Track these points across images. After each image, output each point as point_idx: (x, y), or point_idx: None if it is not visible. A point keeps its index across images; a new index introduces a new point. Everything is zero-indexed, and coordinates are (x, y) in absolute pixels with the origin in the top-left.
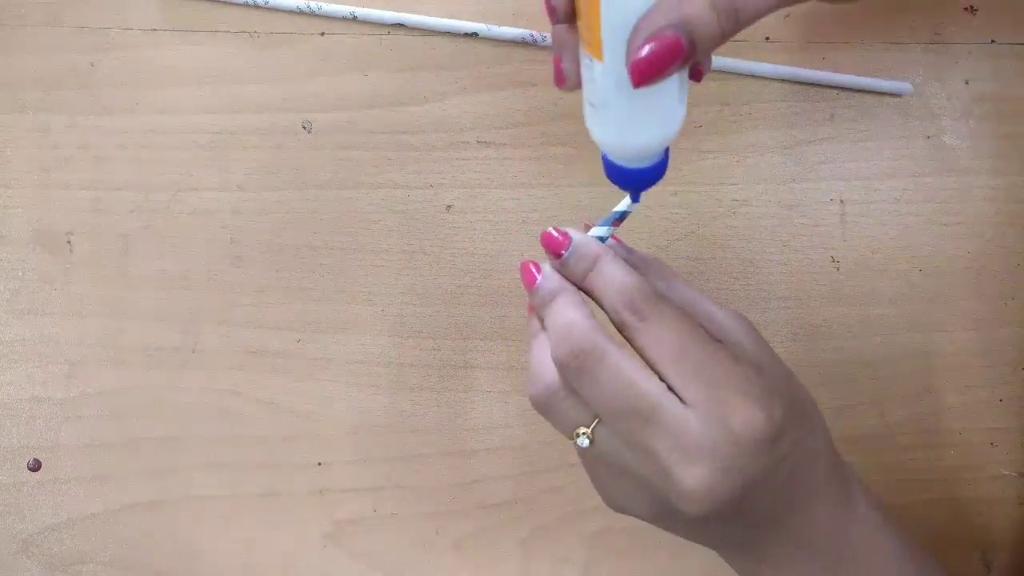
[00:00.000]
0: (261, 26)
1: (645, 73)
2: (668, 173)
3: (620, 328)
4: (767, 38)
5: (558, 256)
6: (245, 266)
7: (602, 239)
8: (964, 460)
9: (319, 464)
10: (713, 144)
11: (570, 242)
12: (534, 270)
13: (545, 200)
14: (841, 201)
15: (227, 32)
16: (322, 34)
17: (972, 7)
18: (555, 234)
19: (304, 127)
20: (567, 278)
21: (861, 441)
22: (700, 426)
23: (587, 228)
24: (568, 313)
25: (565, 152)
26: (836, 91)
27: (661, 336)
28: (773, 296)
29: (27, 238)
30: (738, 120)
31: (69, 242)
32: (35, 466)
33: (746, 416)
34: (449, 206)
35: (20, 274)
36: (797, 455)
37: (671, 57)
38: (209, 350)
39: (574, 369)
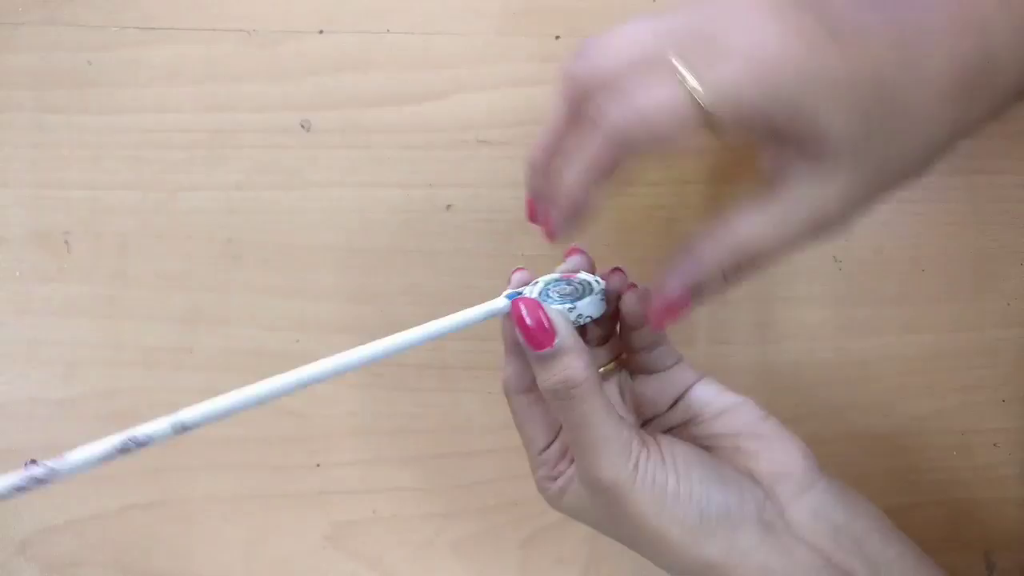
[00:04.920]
0: (259, 24)
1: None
2: (669, 172)
3: None
4: None
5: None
6: (244, 266)
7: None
8: (966, 461)
9: (318, 465)
10: (714, 142)
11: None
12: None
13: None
14: None
15: (225, 30)
16: (321, 32)
17: None
18: (539, 323)
19: (303, 126)
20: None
21: (862, 441)
22: None
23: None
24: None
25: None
26: None
27: None
28: (774, 296)
29: (24, 237)
30: None
31: (66, 241)
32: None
33: None
34: (449, 206)
35: (17, 274)
36: None
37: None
38: (208, 350)
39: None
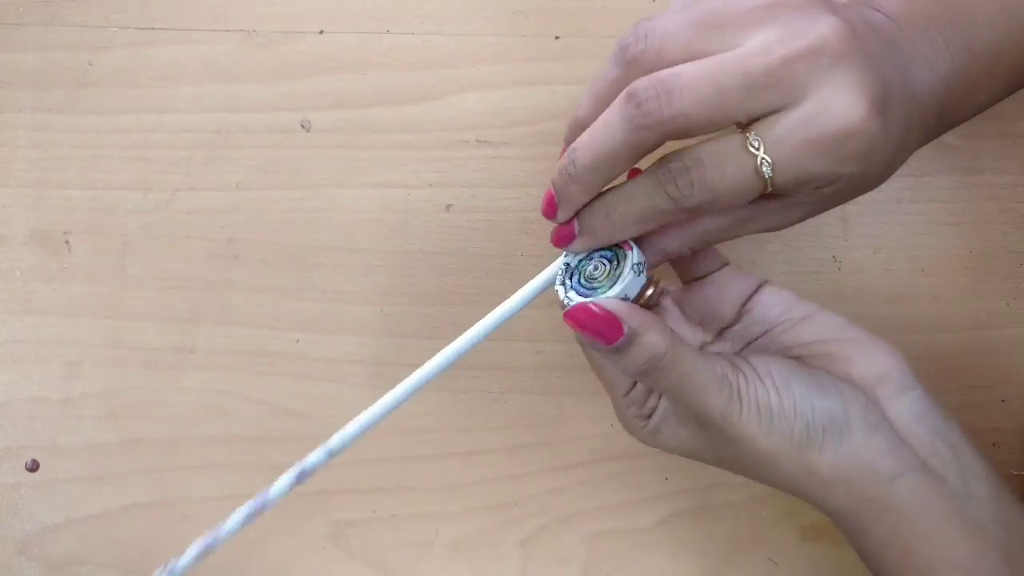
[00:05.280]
0: (260, 25)
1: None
2: None
3: None
4: None
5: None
6: (244, 266)
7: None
8: None
9: None
10: None
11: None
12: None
13: None
14: None
15: (226, 30)
16: (321, 32)
17: None
18: (598, 320)
19: (303, 126)
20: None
21: None
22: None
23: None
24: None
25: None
26: None
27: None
28: None
29: (25, 238)
30: None
31: (67, 242)
32: (33, 466)
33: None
34: (449, 206)
35: (18, 274)
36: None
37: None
38: (208, 350)
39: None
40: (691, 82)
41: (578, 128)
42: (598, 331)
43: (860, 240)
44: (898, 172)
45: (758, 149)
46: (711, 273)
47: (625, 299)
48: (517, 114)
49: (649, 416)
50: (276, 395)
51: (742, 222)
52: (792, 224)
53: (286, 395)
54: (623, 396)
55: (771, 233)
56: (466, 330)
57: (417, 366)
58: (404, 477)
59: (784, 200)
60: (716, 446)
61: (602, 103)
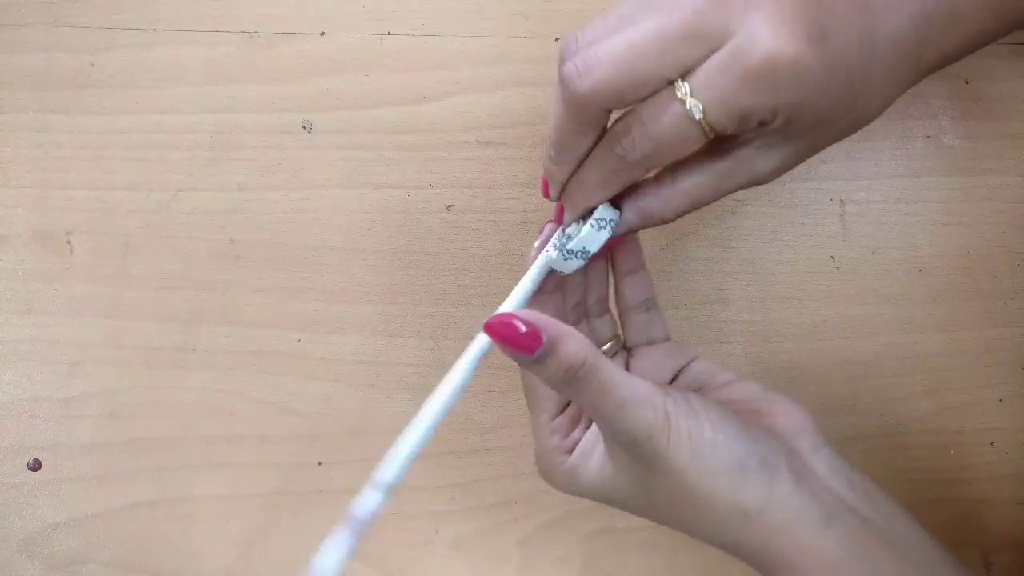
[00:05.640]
0: (261, 26)
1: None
2: None
3: None
4: None
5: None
6: (245, 266)
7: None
8: (964, 460)
9: (319, 464)
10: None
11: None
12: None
13: (545, 200)
14: (841, 201)
15: (227, 32)
16: (322, 34)
17: None
18: (517, 332)
19: (304, 127)
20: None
21: (861, 441)
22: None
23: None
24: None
25: None
26: None
27: None
28: (773, 296)
29: (27, 238)
30: None
31: (69, 242)
32: (35, 466)
33: None
34: (449, 206)
35: (20, 274)
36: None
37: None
38: (209, 350)
39: None
40: (608, 51)
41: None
42: (518, 342)
43: (858, 240)
44: (897, 172)
45: (686, 94)
46: (656, 343)
47: (585, 252)
48: (517, 115)
49: (571, 450)
50: (277, 395)
51: (722, 177)
52: (778, 171)
53: (287, 395)
54: (549, 421)
55: (770, 233)
56: (468, 327)
57: (416, 365)
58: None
59: (749, 144)
60: (644, 483)
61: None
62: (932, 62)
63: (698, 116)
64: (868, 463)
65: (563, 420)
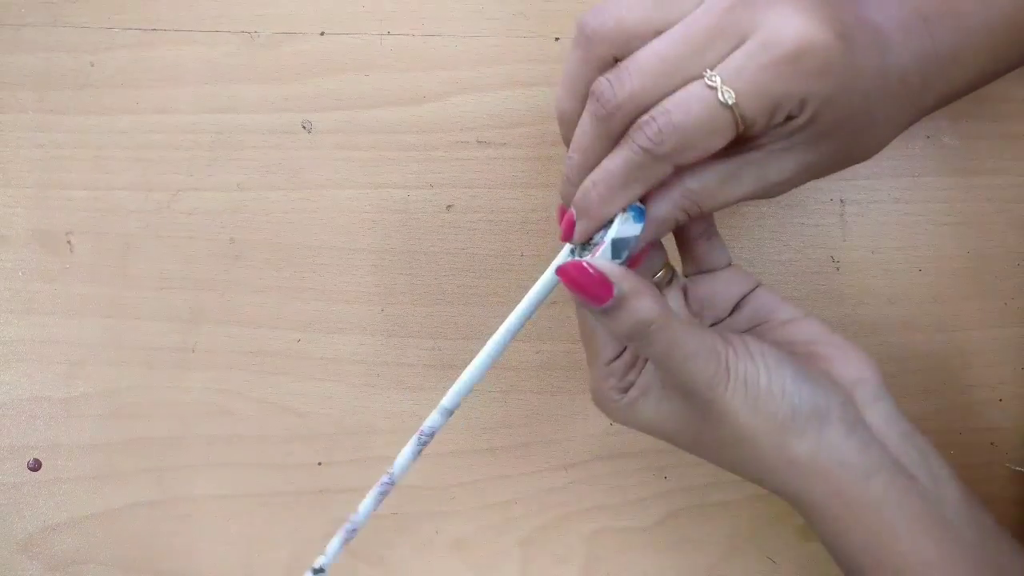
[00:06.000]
0: (261, 26)
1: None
2: None
3: None
4: None
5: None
6: (245, 266)
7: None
8: (964, 460)
9: (319, 464)
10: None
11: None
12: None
13: (545, 200)
14: (841, 201)
15: (227, 32)
16: (322, 34)
17: None
18: (589, 279)
19: (304, 127)
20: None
21: None
22: None
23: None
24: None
25: (565, 152)
26: None
27: None
28: None
29: (27, 238)
30: None
31: (69, 242)
32: (35, 466)
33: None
34: (449, 206)
35: (20, 274)
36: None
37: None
38: (209, 350)
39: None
40: (638, 62)
41: (564, 122)
42: (589, 289)
43: (859, 240)
44: (896, 173)
45: (716, 82)
46: (716, 270)
47: (621, 242)
48: (517, 115)
49: (627, 390)
50: (277, 395)
51: (728, 179)
52: (785, 184)
53: (286, 395)
54: (606, 364)
55: (770, 234)
56: (468, 327)
57: (416, 365)
58: (404, 476)
59: (763, 147)
60: (696, 422)
61: (574, 85)
62: (930, 104)
63: (730, 101)
64: None
65: (619, 364)
